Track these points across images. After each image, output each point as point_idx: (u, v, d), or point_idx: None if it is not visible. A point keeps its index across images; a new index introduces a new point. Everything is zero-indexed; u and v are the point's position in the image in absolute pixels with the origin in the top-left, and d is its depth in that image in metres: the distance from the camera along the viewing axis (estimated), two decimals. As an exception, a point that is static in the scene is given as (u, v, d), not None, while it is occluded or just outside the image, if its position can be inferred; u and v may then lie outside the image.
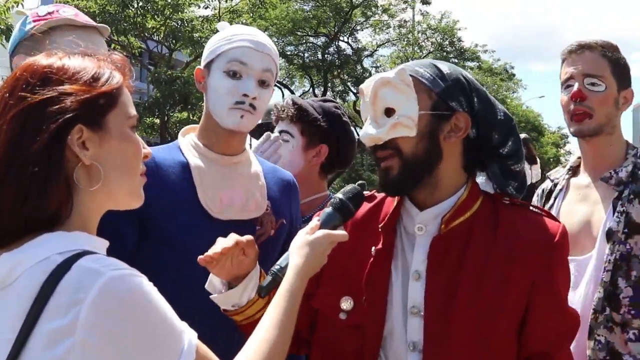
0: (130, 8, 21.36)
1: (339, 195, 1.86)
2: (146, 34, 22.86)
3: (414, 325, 1.81)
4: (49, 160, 1.29)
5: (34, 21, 2.33)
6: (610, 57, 2.53)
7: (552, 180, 2.79)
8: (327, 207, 1.86)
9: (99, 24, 2.39)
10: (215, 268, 1.83)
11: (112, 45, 19.42)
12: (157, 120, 23.12)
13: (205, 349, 1.33)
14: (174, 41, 23.03)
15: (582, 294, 2.43)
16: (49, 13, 2.34)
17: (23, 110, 1.30)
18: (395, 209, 1.92)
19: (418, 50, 33.60)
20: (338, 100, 35.13)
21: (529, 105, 45.13)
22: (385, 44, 34.04)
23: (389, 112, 1.84)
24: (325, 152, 2.98)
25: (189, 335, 1.30)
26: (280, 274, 1.71)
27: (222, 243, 1.81)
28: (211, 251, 1.81)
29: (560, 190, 2.70)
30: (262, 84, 2.32)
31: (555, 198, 2.69)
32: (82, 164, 1.34)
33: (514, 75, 40.31)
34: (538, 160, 11.03)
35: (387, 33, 33.70)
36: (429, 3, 31.87)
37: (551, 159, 42.27)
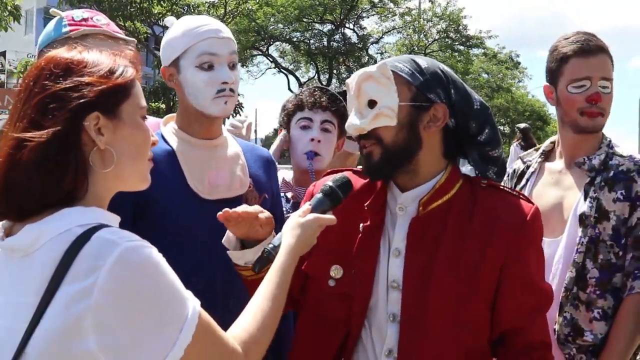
0: (137, -7, 21.45)
1: (329, 182, 1.97)
2: (152, 19, 22.95)
3: (393, 298, 1.93)
4: (67, 142, 1.41)
5: (70, 25, 2.50)
6: (612, 58, 2.65)
7: (524, 162, 2.89)
8: (318, 193, 1.97)
9: (128, 37, 2.57)
10: (233, 227, 1.97)
11: (119, 30, 19.48)
12: (163, 105, 23.26)
13: (207, 317, 1.44)
14: (180, 27, 23.08)
15: (552, 273, 2.57)
16: (84, 19, 2.51)
17: (46, 97, 1.42)
18: (382, 189, 2.04)
19: (423, 38, 33.67)
20: (343, 87, 34.95)
21: (535, 95, 45.03)
22: (391, 32, 34.12)
23: (372, 104, 1.95)
24: (342, 145, 3.10)
25: (193, 303, 1.41)
26: (274, 252, 1.83)
27: (245, 207, 1.96)
28: (233, 210, 1.94)
29: (533, 172, 2.81)
30: (232, 66, 2.45)
31: (528, 180, 2.80)
32: (97, 148, 1.46)
33: (519, 63, 40.22)
34: (539, 148, 11.10)
35: (393, 20, 33.82)
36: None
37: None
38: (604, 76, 2.59)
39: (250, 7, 24.45)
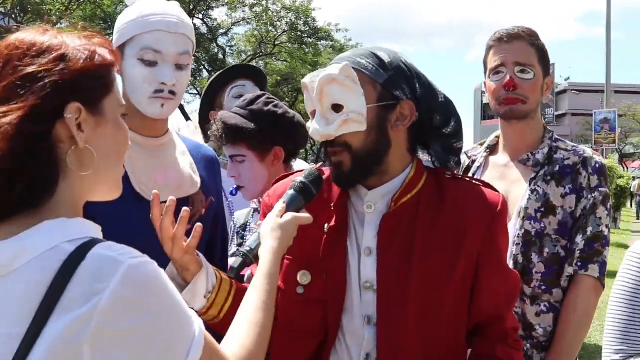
0: (-26, -23, 20.46)
1: (300, 178, 1.89)
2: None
3: (367, 299, 1.85)
4: (41, 134, 1.24)
5: None
6: (537, 45, 2.64)
7: (469, 157, 2.89)
8: (289, 189, 1.88)
9: None
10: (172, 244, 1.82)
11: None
12: None
13: (209, 335, 1.32)
14: (22, 14, 22.24)
15: None
16: None
17: (18, 79, 1.25)
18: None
19: (272, 29, 33.93)
20: (191, 78, 34.82)
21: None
22: (240, 23, 34.13)
23: (337, 108, 1.84)
24: (280, 152, 2.88)
25: (198, 322, 1.30)
26: (250, 255, 1.75)
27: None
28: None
29: (479, 167, 2.80)
30: (179, 67, 2.23)
31: (474, 174, 2.77)
32: (76, 147, 1.29)
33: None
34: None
35: (243, 12, 33.80)
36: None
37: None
38: (517, 61, 2.61)
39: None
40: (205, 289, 1.85)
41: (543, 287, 2.54)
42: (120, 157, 1.41)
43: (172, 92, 2.22)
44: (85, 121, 1.29)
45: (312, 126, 1.89)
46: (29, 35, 1.32)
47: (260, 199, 2.94)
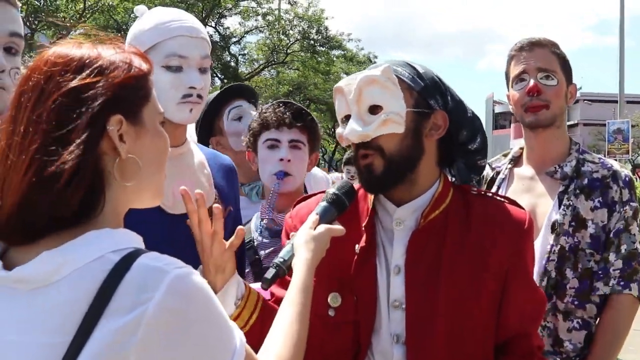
0: (-10, -15, 20.57)
1: (333, 190, 1.90)
2: None
3: (396, 318, 1.86)
4: (89, 149, 1.24)
5: None
6: (558, 54, 2.65)
7: (493, 168, 2.85)
8: (322, 201, 1.89)
9: None
10: (203, 247, 1.80)
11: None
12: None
13: (248, 347, 1.32)
14: (36, 21, 22.38)
15: None
16: None
17: (62, 96, 1.24)
18: (372, 205, 1.96)
19: (285, 38, 33.98)
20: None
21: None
22: (253, 31, 34.23)
23: (374, 110, 1.85)
24: (315, 161, 2.88)
25: (239, 334, 1.30)
26: (284, 267, 1.74)
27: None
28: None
29: (503, 179, 2.78)
30: (203, 70, 2.23)
31: (498, 187, 2.76)
32: (120, 158, 1.29)
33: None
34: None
35: (256, 20, 33.91)
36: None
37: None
38: (540, 67, 2.61)
39: (110, 3, 23.95)
40: (236, 296, 1.84)
41: (576, 303, 2.52)
42: (161, 165, 1.41)
43: (199, 96, 2.21)
44: (126, 132, 1.30)
45: (347, 128, 1.88)
46: (65, 49, 1.31)
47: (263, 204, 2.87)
